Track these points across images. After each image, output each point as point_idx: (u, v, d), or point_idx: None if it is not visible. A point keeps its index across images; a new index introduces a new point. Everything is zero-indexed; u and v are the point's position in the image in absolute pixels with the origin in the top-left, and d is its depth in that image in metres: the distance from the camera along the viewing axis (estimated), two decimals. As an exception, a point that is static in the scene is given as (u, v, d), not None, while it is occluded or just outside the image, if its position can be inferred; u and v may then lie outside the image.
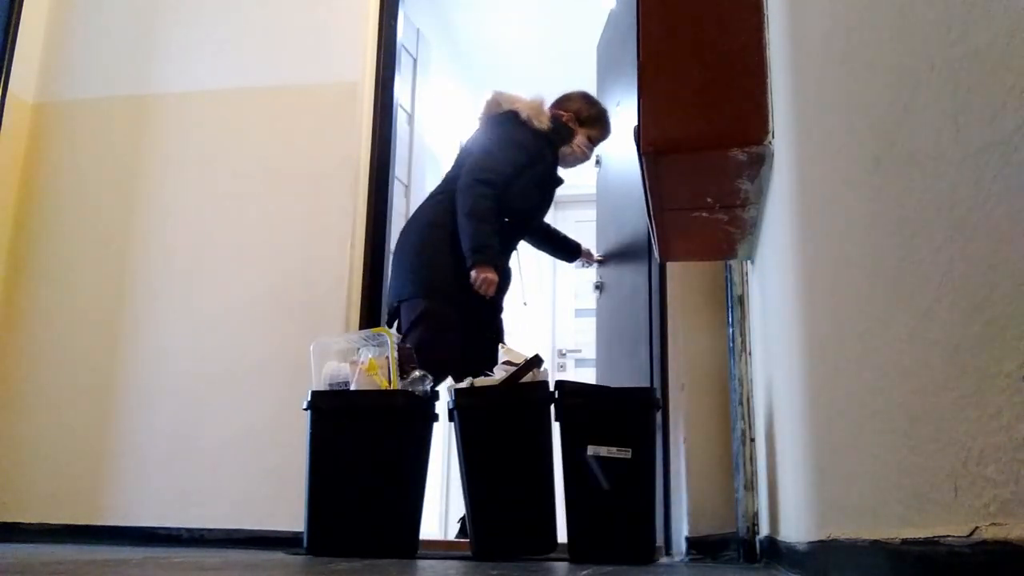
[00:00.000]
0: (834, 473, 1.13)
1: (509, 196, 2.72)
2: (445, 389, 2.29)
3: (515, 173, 2.75)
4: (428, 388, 2.28)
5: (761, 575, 1.80)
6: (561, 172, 2.95)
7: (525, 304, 3.10)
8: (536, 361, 2.19)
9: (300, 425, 2.23)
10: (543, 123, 2.84)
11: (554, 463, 2.13)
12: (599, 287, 3.33)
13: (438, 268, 2.63)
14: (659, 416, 2.38)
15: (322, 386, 2.27)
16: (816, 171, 1.22)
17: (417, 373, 2.30)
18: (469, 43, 4.64)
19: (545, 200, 2.93)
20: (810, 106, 1.26)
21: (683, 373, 2.51)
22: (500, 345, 2.27)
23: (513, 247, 2.87)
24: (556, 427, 2.14)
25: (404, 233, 2.78)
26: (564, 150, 2.93)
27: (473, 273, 2.56)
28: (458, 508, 3.66)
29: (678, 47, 1.82)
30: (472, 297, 2.58)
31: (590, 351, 3.94)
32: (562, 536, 2.10)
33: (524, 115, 2.83)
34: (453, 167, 2.83)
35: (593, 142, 3.02)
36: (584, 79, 3.27)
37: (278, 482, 2.72)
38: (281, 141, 3.04)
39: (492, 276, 2.57)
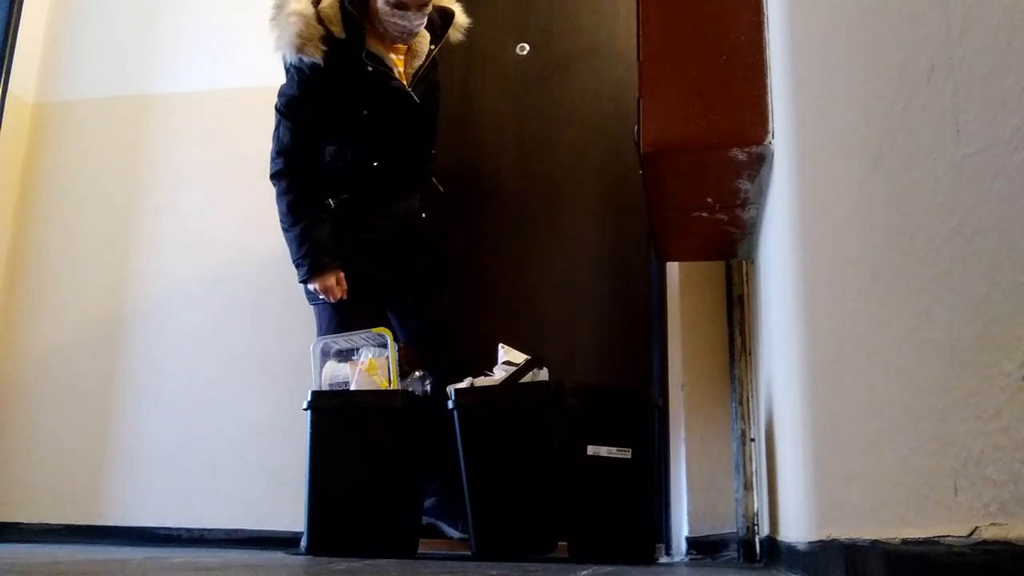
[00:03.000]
0: (834, 473, 1.13)
1: (335, 167, 2.36)
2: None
3: (314, 135, 2.34)
4: (428, 389, 2.28)
5: (761, 575, 1.80)
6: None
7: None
8: (536, 361, 2.18)
9: (300, 425, 2.23)
10: (315, 46, 2.24)
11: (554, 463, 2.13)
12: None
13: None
14: (659, 416, 2.38)
15: (322, 386, 2.27)
16: (816, 171, 1.22)
17: (417, 373, 2.30)
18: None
19: (382, 130, 2.37)
20: (810, 106, 1.27)
21: (683, 373, 2.51)
22: (500, 345, 2.26)
23: (396, 184, 2.43)
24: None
25: None
26: (380, 27, 2.36)
27: (310, 289, 2.33)
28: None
29: (678, 47, 1.82)
30: (354, 286, 2.34)
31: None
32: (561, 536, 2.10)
33: (287, 60, 2.29)
34: None
35: (399, 7, 2.30)
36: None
37: (278, 482, 2.72)
38: (281, 141, 3.04)
39: (325, 283, 2.29)
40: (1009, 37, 0.52)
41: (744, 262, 2.42)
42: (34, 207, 3.16)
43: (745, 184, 1.89)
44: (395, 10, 2.30)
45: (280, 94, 2.38)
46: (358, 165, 2.38)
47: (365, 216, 2.39)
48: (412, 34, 2.38)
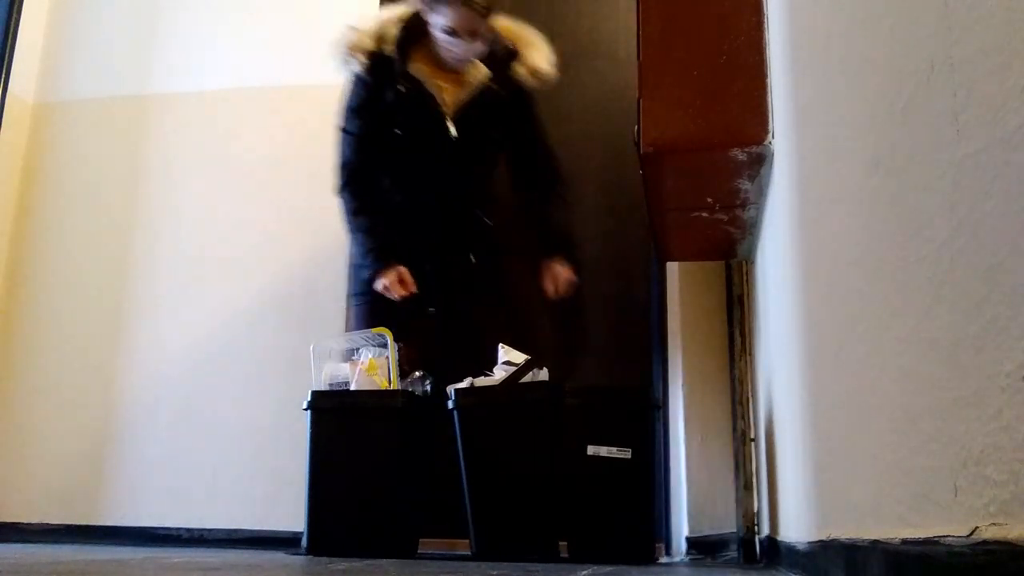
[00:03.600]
0: (834, 473, 1.13)
1: (390, 182, 2.41)
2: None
3: (366, 148, 2.38)
4: (428, 388, 2.28)
5: (761, 575, 1.80)
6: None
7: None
8: (536, 361, 2.18)
9: (300, 425, 2.23)
10: (359, 58, 2.33)
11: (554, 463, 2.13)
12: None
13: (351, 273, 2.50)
14: (659, 416, 2.38)
15: (322, 386, 2.27)
16: (816, 171, 1.22)
17: (417, 373, 2.30)
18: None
19: (417, 153, 2.37)
20: (810, 106, 1.27)
21: (683, 373, 2.51)
22: (500, 345, 2.26)
23: (429, 208, 2.39)
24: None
25: None
26: (435, 51, 2.34)
27: (376, 287, 2.33)
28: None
29: (678, 47, 1.82)
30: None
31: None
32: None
33: (349, 72, 2.38)
34: None
35: (450, 33, 2.28)
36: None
37: (278, 482, 2.72)
38: (281, 141, 3.04)
39: (387, 280, 2.29)
40: (1009, 37, 0.52)
41: (744, 262, 2.42)
42: (34, 207, 3.16)
43: (745, 184, 1.89)
44: (446, 36, 2.29)
45: (339, 111, 2.45)
46: (395, 184, 2.42)
47: (397, 231, 2.39)
48: (466, 61, 2.36)
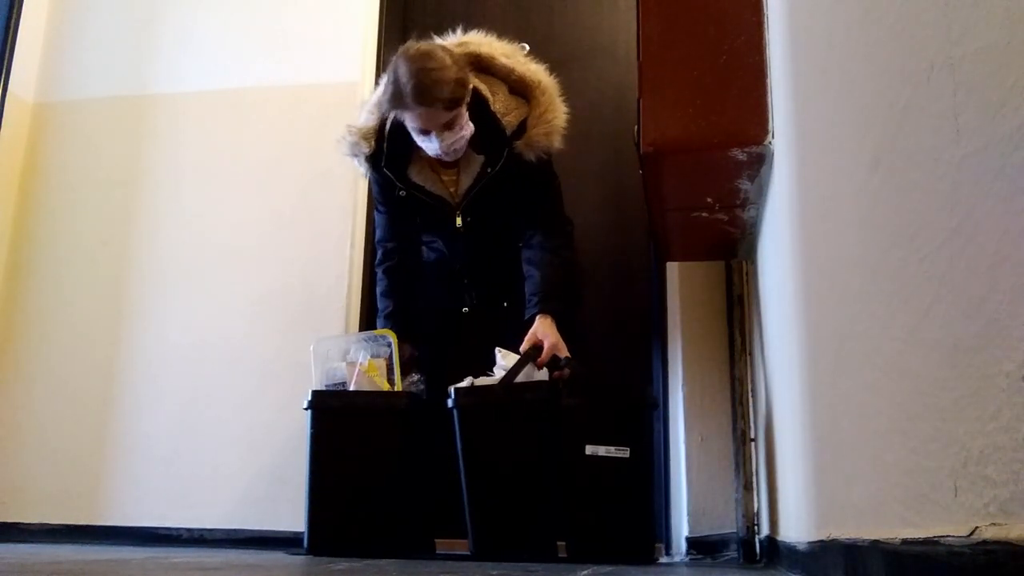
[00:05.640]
0: (834, 473, 1.13)
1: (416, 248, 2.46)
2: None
3: (390, 222, 2.40)
4: (423, 388, 2.28)
5: (761, 575, 1.80)
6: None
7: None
8: (530, 354, 2.16)
9: (300, 425, 2.23)
10: (359, 158, 2.31)
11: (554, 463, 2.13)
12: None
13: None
14: (659, 416, 2.38)
15: (321, 386, 2.27)
16: (816, 171, 1.22)
17: (414, 376, 2.30)
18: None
19: (435, 236, 2.42)
20: (810, 106, 1.27)
21: (683, 373, 2.51)
22: (497, 349, 2.25)
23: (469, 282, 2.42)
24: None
25: None
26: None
27: None
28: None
29: (678, 47, 1.82)
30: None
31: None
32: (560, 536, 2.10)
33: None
34: None
35: (416, 132, 2.14)
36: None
37: (278, 482, 2.72)
38: (281, 141, 3.04)
39: (404, 350, 2.31)
40: (1009, 37, 0.52)
41: (744, 262, 2.42)
42: (34, 207, 3.16)
43: (745, 184, 1.89)
44: (419, 136, 2.14)
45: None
46: (419, 256, 2.47)
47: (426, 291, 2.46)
48: (449, 155, 2.18)
